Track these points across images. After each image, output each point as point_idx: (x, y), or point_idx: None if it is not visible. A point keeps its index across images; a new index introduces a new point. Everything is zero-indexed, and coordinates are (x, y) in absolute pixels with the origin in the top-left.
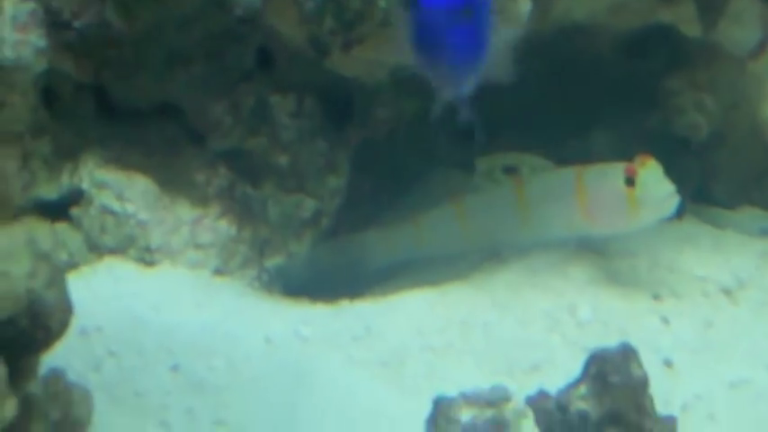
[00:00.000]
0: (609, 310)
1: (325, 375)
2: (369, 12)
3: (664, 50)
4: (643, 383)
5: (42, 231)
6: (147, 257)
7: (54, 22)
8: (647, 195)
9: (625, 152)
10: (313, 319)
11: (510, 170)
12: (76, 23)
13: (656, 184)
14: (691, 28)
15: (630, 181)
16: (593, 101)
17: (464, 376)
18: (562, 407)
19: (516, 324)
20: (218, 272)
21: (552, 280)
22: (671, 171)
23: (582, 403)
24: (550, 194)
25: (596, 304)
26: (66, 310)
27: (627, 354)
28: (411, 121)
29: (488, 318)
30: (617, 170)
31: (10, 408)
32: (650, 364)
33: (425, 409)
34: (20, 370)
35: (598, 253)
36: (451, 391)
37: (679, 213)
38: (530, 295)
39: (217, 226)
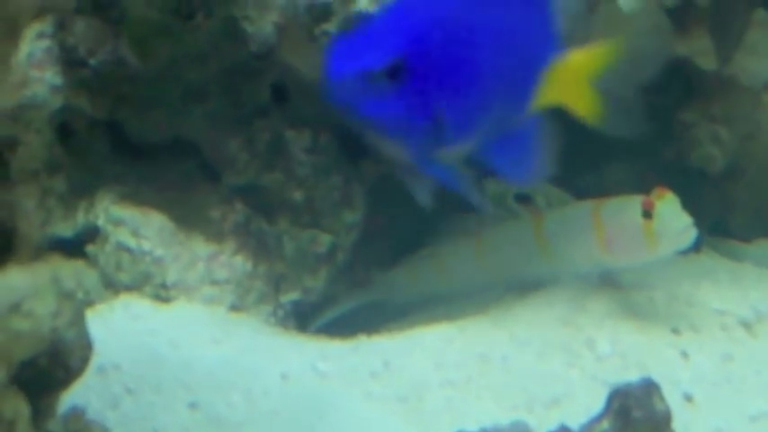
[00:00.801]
0: (628, 343)
1: (343, 411)
2: None
3: (679, 83)
4: (666, 418)
5: (66, 270)
6: (162, 294)
7: (69, 60)
8: (664, 228)
9: (640, 185)
10: (330, 354)
11: (522, 198)
12: (92, 61)
13: (673, 217)
14: (706, 61)
15: (648, 214)
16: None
17: (483, 411)
18: None
19: (535, 358)
20: (234, 308)
21: (570, 314)
22: (688, 204)
23: None
24: (568, 228)
25: (615, 338)
26: (86, 347)
27: (649, 388)
28: None
29: (507, 352)
30: (634, 203)
31: None
32: (670, 398)
33: None
34: (40, 409)
35: (616, 287)
36: (471, 425)
37: (697, 246)
38: (548, 329)
39: (232, 262)
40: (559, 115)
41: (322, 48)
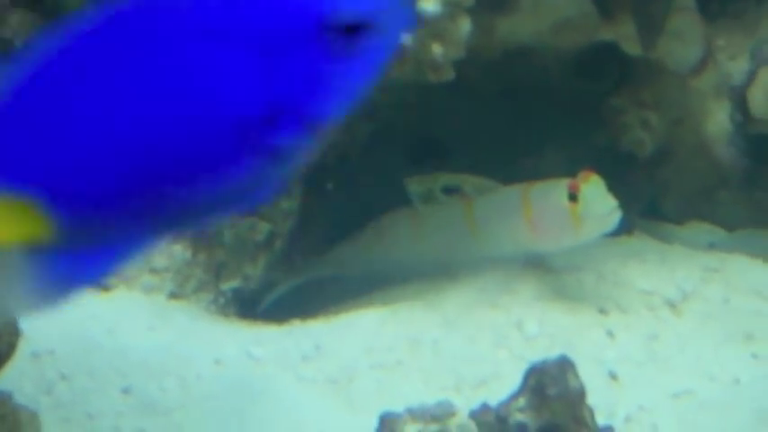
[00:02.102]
0: (555, 324)
1: (274, 394)
2: None
3: (611, 69)
4: (580, 395)
5: None
6: (102, 281)
7: (6, 52)
8: (589, 211)
9: (576, 170)
10: (264, 339)
11: (450, 190)
12: None
13: (598, 200)
14: (632, 46)
15: (573, 197)
16: (544, 120)
17: (412, 393)
18: (501, 419)
19: (464, 340)
20: (174, 295)
21: (500, 297)
22: (620, 188)
23: (520, 415)
24: (497, 211)
25: (543, 319)
26: (14, 333)
27: (564, 366)
28: (364, 144)
29: (437, 335)
30: (560, 186)
31: None
32: (595, 376)
33: (372, 425)
34: None
35: (545, 269)
36: (399, 407)
37: (628, 229)
38: (478, 312)
39: (171, 250)
40: (492, 101)
41: None
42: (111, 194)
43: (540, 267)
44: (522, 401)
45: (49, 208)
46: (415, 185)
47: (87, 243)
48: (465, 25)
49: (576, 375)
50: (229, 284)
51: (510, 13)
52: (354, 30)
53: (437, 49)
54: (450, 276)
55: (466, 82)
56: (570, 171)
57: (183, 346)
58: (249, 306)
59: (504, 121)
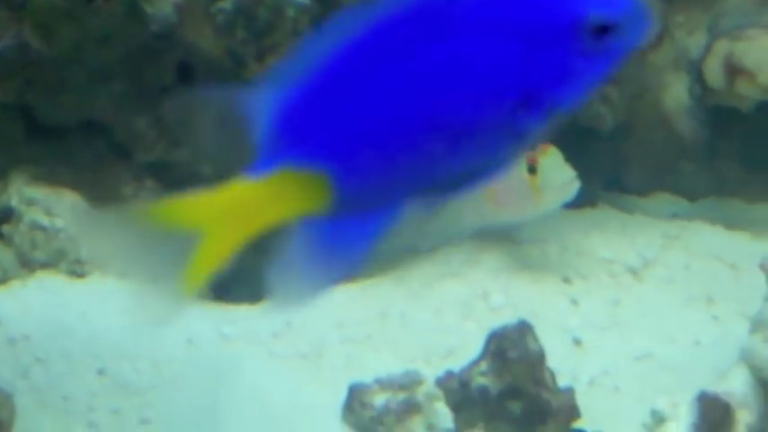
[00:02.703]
0: (520, 294)
1: (246, 371)
2: (278, 21)
3: None
4: (540, 357)
5: None
6: (78, 270)
7: None
8: (547, 182)
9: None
10: (235, 317)
11: None
12: None
13: (556, 171)
14: None
15: (532, 169)
16: None
17: (382, 365)
18: (464, 383)
19: (432, 313)
20: None
21: (466, 269)
22: (582, 161)
23: (483, 379)
24: None
25: (508, 290)
26: None
27: (523, 330)
28: None
29: (405, 309)
30: (520, 159)
31: None
32: (560, 343)
33: (343, 397)
34: None
35: (510, 241)
36: (369, 379)
37: (591, 202)
38: (444, 285)
39: None
40: None
41: (219, 25)
42: (386, 163)
43: (504, 239)
44: (483, 366)
45: (332, 179)
46: None
47: (357, 211)
48: None
49: (536, 339)
50: None
51: None
52: (603, 31)
53: None
54: (415, 252)
55: None
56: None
57: (156, 328)
58: (224, 289)
59: None
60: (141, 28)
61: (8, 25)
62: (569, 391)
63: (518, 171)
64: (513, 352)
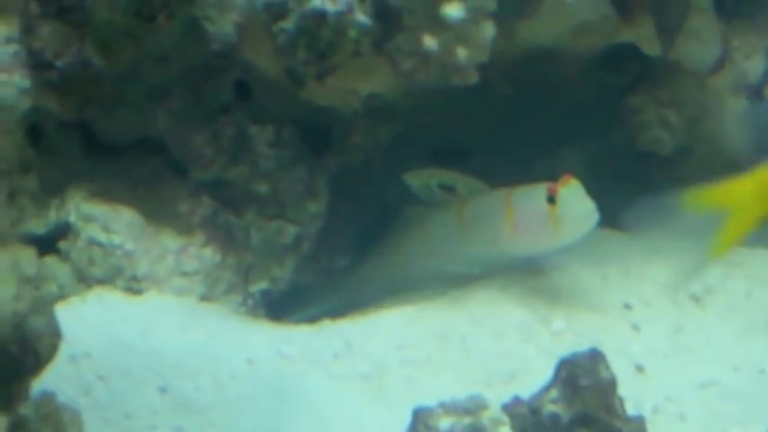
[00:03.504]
0: (582, 319)
1: (307, 391)
2: (340, 42)
3: (631, 68)
4: (611, 385)
5: (26, 256)
6: (134, 286)
7: (36, 63)
8: (567, 213)
9: (594, 170)
10: (295, 338)
11: (445, 186)
12: (58, 63)
13: (576, 202)
14: (651, 47)
15: (552, 199)
16: (562, 121)
17: (443, 388)
18: (534, 410)
19: (492, 337)
20: (204, 298)
21: (526, 294)
22: (640, 186)
23: (553, 406)
24: (483, 213)
25: (569, 315)
26: (55, 335)
27: (595, 358)
28: (387, 147)
29: (465, 332)
30: (540, 190)
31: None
32: (622, 369)
33: (405, 420)
34: (11, 395)
35: (570, 265)
36: (430, 402)
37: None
38: (505, 309)
39: (201, 254)
40: (511, 104)
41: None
42: None
43: (563, 266)
44: (554, 393)
45: None
46: (412, 179)
47: None
48: (488, 29)
49: (607, 366)
50: (258, 286)
51: (529, 17)
52: None
53: (462, 53)
54: (474, 277)
55: (485, 85)
56: (588, 171)
57: (216, 347)
58: (278, 308)
59: (522, 123)
60: (201, 46)
61: (70, 42)
62: (640, 420)
63: (538, 201)
64: (584, 379)
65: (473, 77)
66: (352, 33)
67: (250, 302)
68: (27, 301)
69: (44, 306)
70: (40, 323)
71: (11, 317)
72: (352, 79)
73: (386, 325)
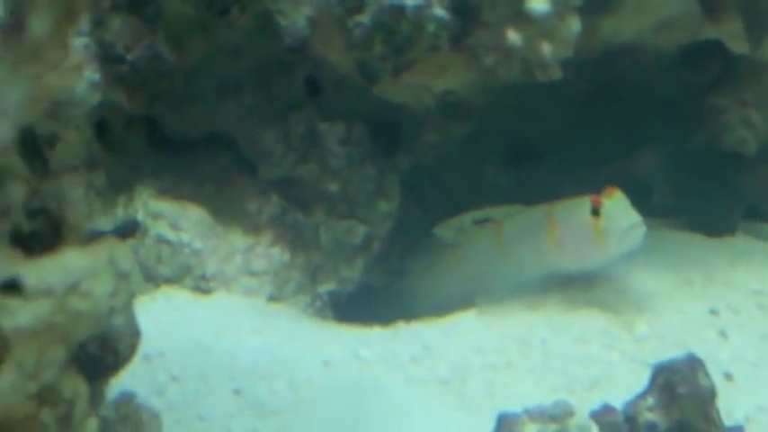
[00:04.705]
0: (666, 325)
1: (385, 395)
2: (418, 36)
3: (713, 66)
4: (710, 394)
5: (122, 251)
6: (202, 285)
7: (107, 56)
8: (612, 225)
9: (672, 171)
10: (371, 341)
11: (480, 222)
12: (129, 57)
13: (621, 215)
14: (738, 45)
15: (596, 212)
16: (640, 120)
17: (525, 393)
18: (630, 418)
19: (574, 341)
20: (273, 298)
21: (608, 297)
22: (721, 188)
23: (650, 414)
24: (524, 231)
25: (653, 320)
26: (135, 334)
27: (694, 365)
28: (460, 146)
29: (546, 336)
30: (584, 203)
31: (92, 426)
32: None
33: (488, 426)
34: (92, 393)
35: (652, 269)
36: (513, 408)
37: (731, 230)
38: (587, 313)
39: (270, 253)
40: (586, 102)
41: (355, 39)
42: None
43: (645, 268)
44: (650, 400)
45: None
46: (444, 231)
47: None
48: (574, 24)
49: (706, 374)
50: (326, 287)
51: (613, 12)
52: None
53: (546, 48)
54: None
55: (561, 82)
56: (666, 171)
57: (290, 348)
58: (346, 309)
59: (597, 122)
60: (273, 40)
61: (141, 36)
62: (739, 430)
63: (581, 215)
64: (682, 387)
65: (557, 73)
66: (431, 28)
67: (318, 303)
68: (122, 297)
69: (129, 301)
70: (121, 322)
71: (106, 313)
72: (428, 75)
73: (463, 328)
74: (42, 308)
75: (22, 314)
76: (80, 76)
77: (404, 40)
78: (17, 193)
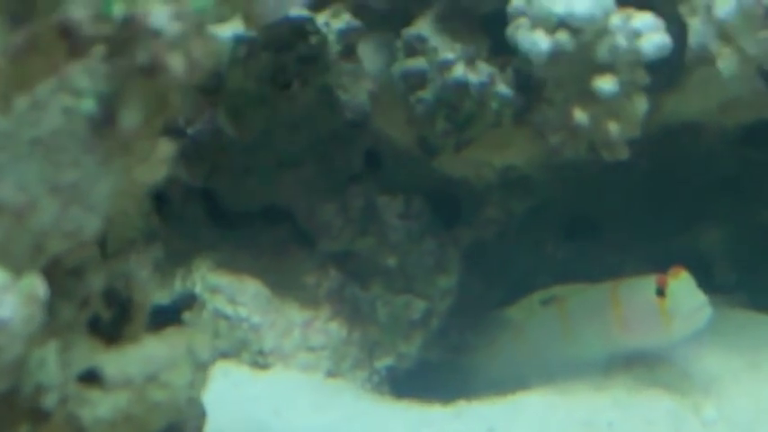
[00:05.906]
0: (734, 408)
1: None
2: (481, 113)
3: None
4: None
5: (201, 341)
6: (260, 361)
7: (168, 129)
8: (677, 306)
9: (735, 248)
10: (433, 420)
11: (546, 302)
12: (190, 130)
13: (687, 295)
14: None
15: (661, 292)
16: (703, 197)
17: None
18: None
19: (641, 423)
20: (331, 374)
21: (673, 379)
22: None
23: None
24: (588, 310)
25: (721, 403)
26: (201, 416)
27: None
28: (521, 221)
29: (612, 417)
30: (649, 282)
31: None
32: None
33: None
34: None
35: (717, 350)
36: None
37: None
38: (653, 395)
39: (328, 328)
40: (647, 177)
41: (417, 115)
42: None
43: (711, 349)
44: None
45: None
46: (516, 313)
47: None
48: (642, 103)
49: None
50: (383, 362)
51: (677, 90)
52: None
53: (613, 128)
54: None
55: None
56: (730, 248)
57: (353, 427)
58: (403, 384)
59: (658, 198)
60: (333, 114)
61: (202, 109)
62: None
63: (646, 294)
64: None
65: (624, 153)
66: (494, 105)
67: (375, 379)
68: (199, 387)
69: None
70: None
71: (185, 404)
72: (489, 150)
73: (528, 409)
74: (121, 399)
75: (102, 405)
76: (168, 169)
77: (467, 116)
78: (97, 283)
